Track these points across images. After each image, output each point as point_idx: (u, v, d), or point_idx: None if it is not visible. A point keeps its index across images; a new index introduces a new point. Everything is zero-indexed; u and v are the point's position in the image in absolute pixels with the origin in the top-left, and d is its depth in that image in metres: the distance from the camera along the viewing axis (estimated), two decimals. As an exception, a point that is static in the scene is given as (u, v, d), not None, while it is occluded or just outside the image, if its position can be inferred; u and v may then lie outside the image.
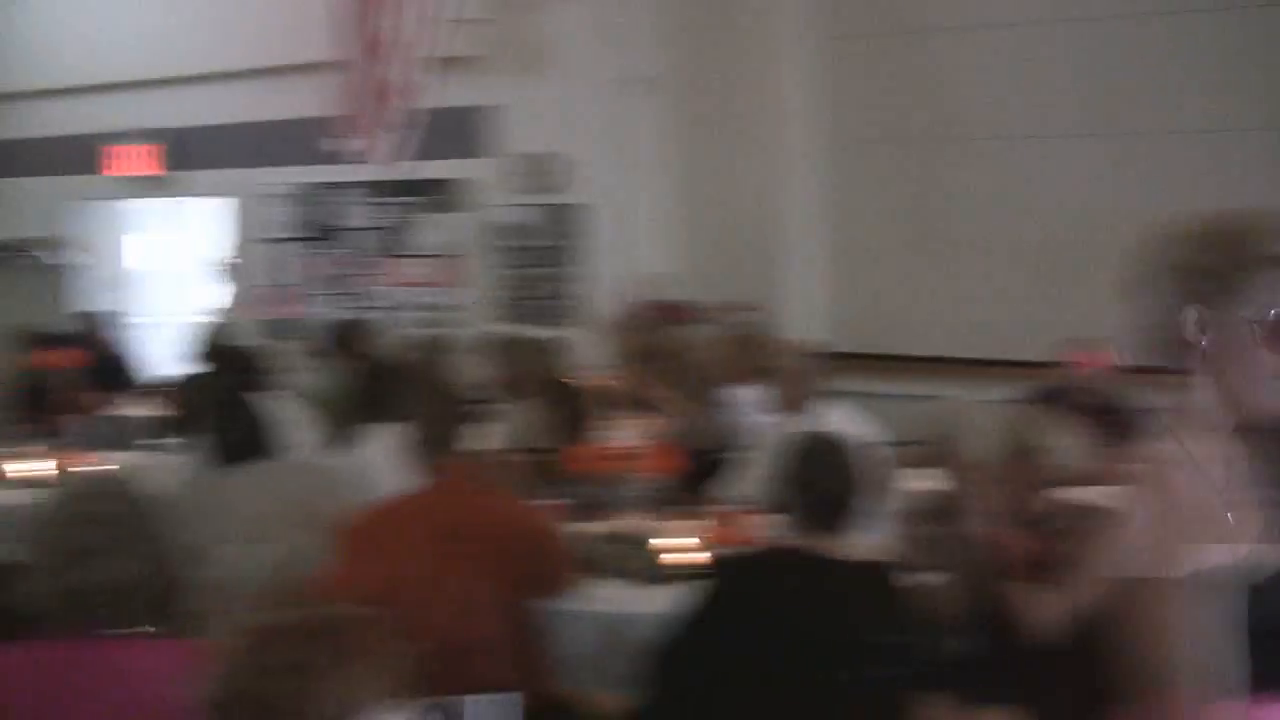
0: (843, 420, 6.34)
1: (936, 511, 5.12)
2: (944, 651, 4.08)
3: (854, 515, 4.18)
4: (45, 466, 7.48)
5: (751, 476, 6.15)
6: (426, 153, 10.56)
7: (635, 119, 10.90)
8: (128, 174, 13.55)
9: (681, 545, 5.50)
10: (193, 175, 13.45)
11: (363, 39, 10.29)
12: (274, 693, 2.05)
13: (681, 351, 8.46)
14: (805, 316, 10.42)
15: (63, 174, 14.29)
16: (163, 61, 13.19)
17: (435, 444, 4.80)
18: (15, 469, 7.46)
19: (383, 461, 5.79)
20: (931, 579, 4.55)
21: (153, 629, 3.03)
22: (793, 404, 6.52)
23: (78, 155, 13.96)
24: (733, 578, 4.27)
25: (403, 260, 11.97)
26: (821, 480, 4.17)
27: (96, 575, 2.97)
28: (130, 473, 6.32)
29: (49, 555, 3.00)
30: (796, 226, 10.64)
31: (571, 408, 7.08)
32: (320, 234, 12.51)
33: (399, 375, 6.54)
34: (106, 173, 13.60)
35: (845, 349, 9.51)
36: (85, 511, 3.04)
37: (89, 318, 11.67)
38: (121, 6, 13.58)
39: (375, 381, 6.46)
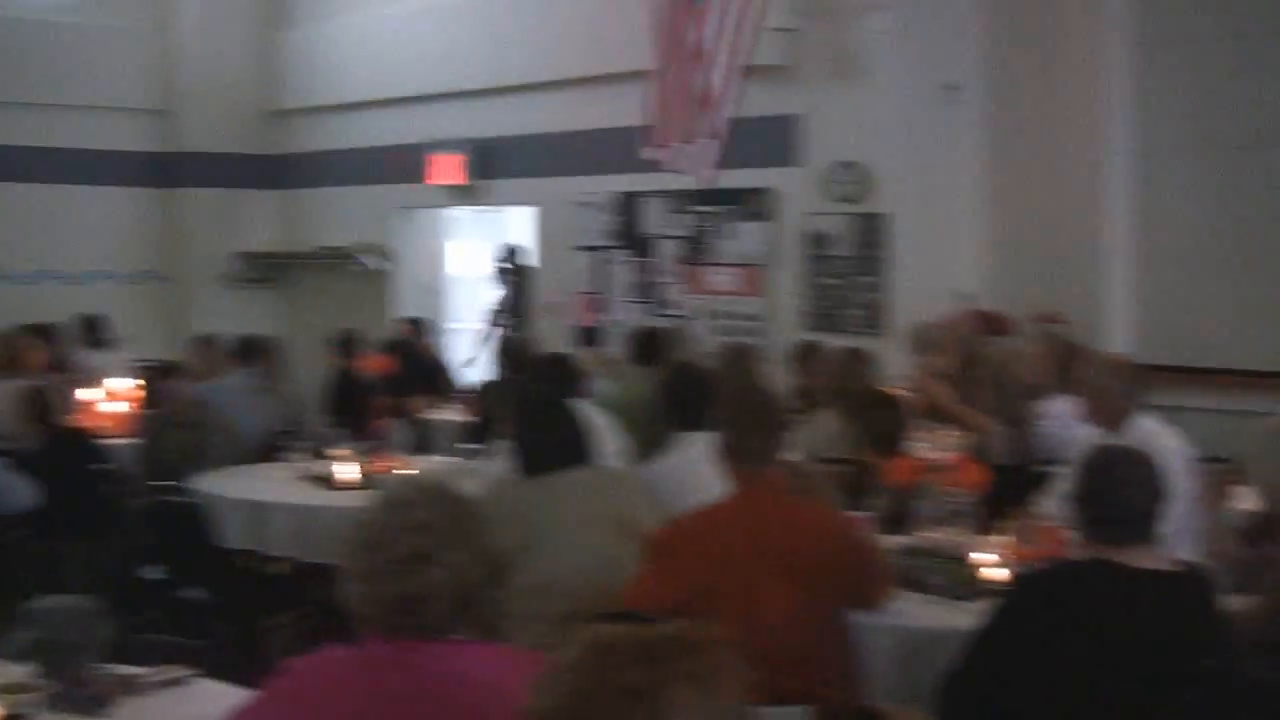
0: (1153, 434, 6.18)
1: (1246, 531, 4.96)
2: (1246, 676, 3.95)
3: (1159, 530, 4.08)
4: (360, 470, 7.73)
5: (1061, 490, 6.04)
6: (732, 161, 10.60)
7: (943, 127, 10.80)
8: (445, 182, 13.91)
9: (986, 560, 5.44)
10: (502, 184, 13.75)
11: (678, 48, 10.36)
12: (614, 715, 2.03)
13: (997, 363, 8.36)
14: (1114, 328, 10.19)
15: (385, 182, 14.78)
16: (478, 73, 13.53)
17: (744, 453, 4.81)
18: (333, 472, 7.71)
19: (691, 470, 5.83)
20: (1237, 600, 4.42)
21: (472, 634, 3.06)
22: (1107, 417, 6.37)
23: (399, 164, 14.41)
24: (1038, 593, 4.19)
25: (706, 268, 12.04)
26: (1127, 494, 4.08)
27: (420, 581, 2.99)
28: (450, 478, 6.52)
29: (374, 561, 3.01)
30: (1106, 236, 10.40)
31: (877, 418, 7.03)
32: (625, 242, 12.66)
33: (706, 383, 6.56)
34: (427, 181, 13.98)
35: (1154, 360, 9.26)
36: (410, 518, 3.04)
37: (408, 323, 12.03)
38: (440, 21, 13.96)
39: (682, 389, 6.49)
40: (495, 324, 13.20)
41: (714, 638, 2.14)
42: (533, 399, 5.78)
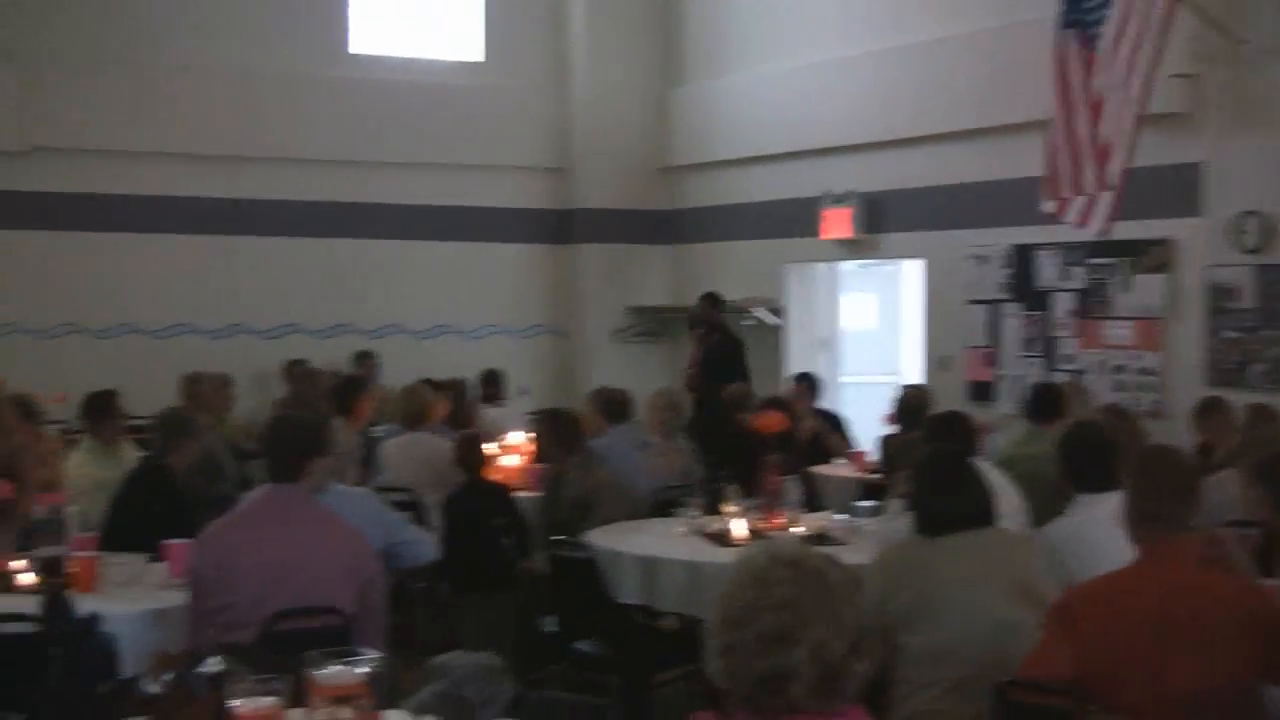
0: None
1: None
2: None
3: None
4: (752, 527, 7.70)
5: None
6: (1130, 211, 10.28)
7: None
8: (836, 236, 13.90)
9: None
10: (892, 237, 13.66)
11: (1074, 97, 10.12)
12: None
13: None
14: None
15: (776, 237, 14.85)
16: (868, 126, 13.50)
17: (1154, 517, 4.62)
18: (725, 528, 7.71)
19: (1094, 533, 5.63)
20: None
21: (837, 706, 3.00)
22: None
23: (790, 218, 14.47)
24: None
25: (1103, 321, 11.70)
26: None
27: (782, 660, 2.93)
28: (826, 544, 6.43)
29: (735, 637, 2.97)
30: None
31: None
32: (1018, 295, 12.41)
33: (1109, 442, 6.33)
34: (819, 236, 13.99)
35: None
36: (772, 595, 2.97)
37: (800, 378, 12.02)
38: (831, 75, 13.98)
39: (1084, 448, 6.28)
40: (898, 379, 13.07)
41: None
42: (935, 457, 5.65)
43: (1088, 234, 10.56)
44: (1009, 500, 6.79)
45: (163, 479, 7.68)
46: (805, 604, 2.96)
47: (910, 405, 10.31)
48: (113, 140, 14.56)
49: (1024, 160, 11.22)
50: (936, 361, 13.19)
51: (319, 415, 7.69)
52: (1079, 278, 11.89)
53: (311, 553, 5.56)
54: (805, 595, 2.98)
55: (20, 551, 6.39)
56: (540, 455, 9.55)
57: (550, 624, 7.86)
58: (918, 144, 13.17)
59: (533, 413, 12.15)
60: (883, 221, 13.70)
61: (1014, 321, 12.48)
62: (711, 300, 14.18)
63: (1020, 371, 12.26)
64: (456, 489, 9.01)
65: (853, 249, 14.09)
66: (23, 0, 14.37)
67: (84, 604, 4.39)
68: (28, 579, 6.18)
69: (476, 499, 8.91)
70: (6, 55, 14.19)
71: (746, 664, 2.95)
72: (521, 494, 9.62)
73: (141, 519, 7.41)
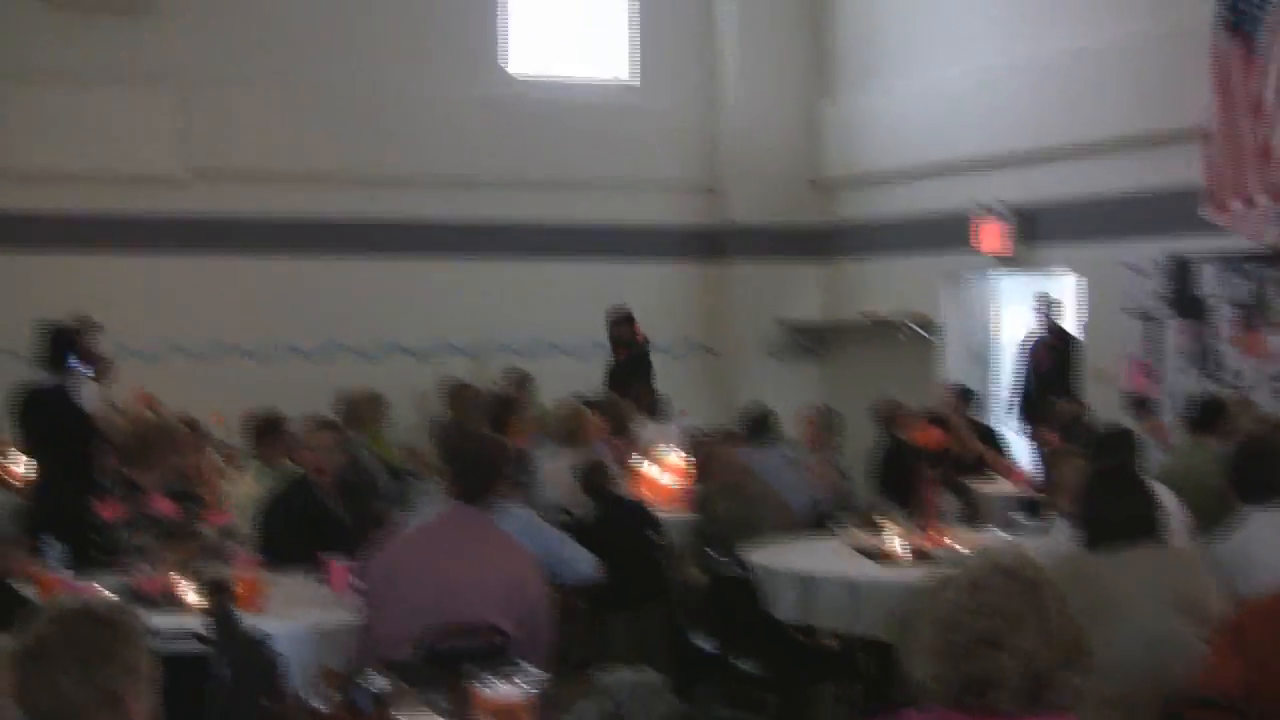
0: None
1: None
2: None
3: None
4: (910, 543, 7.64)
5: None
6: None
7: None
8: (990, 250, 13.76)
9: None
10: (1048, 249, 13.50)
11: (1235, 103, 9.92)
12: None
13: None
14: None
15: (930, 250, 14.74)
16: (1023, 137, 13.35)
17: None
18: (883, 545, 7.65)
19: (1263, 548, 5.51)
20: None
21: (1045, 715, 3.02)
22: None
23: (944, 232, 14.36)
24: None
25: (1266, 332, 11.45)
26: None
27: (989, 665, 2.98)
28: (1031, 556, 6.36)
29: (942, 640, 3.03)
30: None
31: None
32: (1178, 306, 12.19)
33: (1274, 455, 6.20)
34: (973, 249, 13.86)
35: None
36: (983, 601, 3.04)
37: (956, 392, 11.90)
38: (984, 86, 13.86)
39: (1252, 461, 6.15)
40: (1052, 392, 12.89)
41: None
42: (1102, 470, 5.57)
43: (1259, 245, 10.33)
44: (1173, 513, 6.67)
45: (308, 495, 7.75)
46: (1017, 612, 3.02)
47: (1069, 419, 10.18)
48: (270, 163, 14.80)
49: (1181, 168, 11.03)
50: (1093, 374, 12.99)
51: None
52: (1239, 287, 11.64)
53: (483, 575, 5.59)
54: (1018, 604, 3.03)
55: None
56: (698, 473, 9.56)
57: (705, 641, 7.85)
58: (1072, 154, 12.99)
59: (690, 430, 12.17)
60: (1037, 233, 13.53)
61: (1173, 333, 12.26)
62: (625, 321, 14.24)
63: (1180, 383, 12.04)
64: (590, 511, 9.04)
65: (1007, 262, 13.93)
66: (181, 26, 14.66)
67: (250, 622, 4.45)
68: (195, 598, 6.29)
69: (612, 517, 8.92)
70: (166, 81, 14.47)
71: (954, 666, 3.01)
72: (674, 513, 9.65)
73: (288, 535, 7.51)
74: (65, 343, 9.73)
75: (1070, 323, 13.40)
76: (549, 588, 6.40)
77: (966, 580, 3.09)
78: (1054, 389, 12.78)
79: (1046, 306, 13.50)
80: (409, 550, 5.70)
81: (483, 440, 6.06)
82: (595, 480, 9.14)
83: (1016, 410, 13.53)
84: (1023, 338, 13.91)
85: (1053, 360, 13.27)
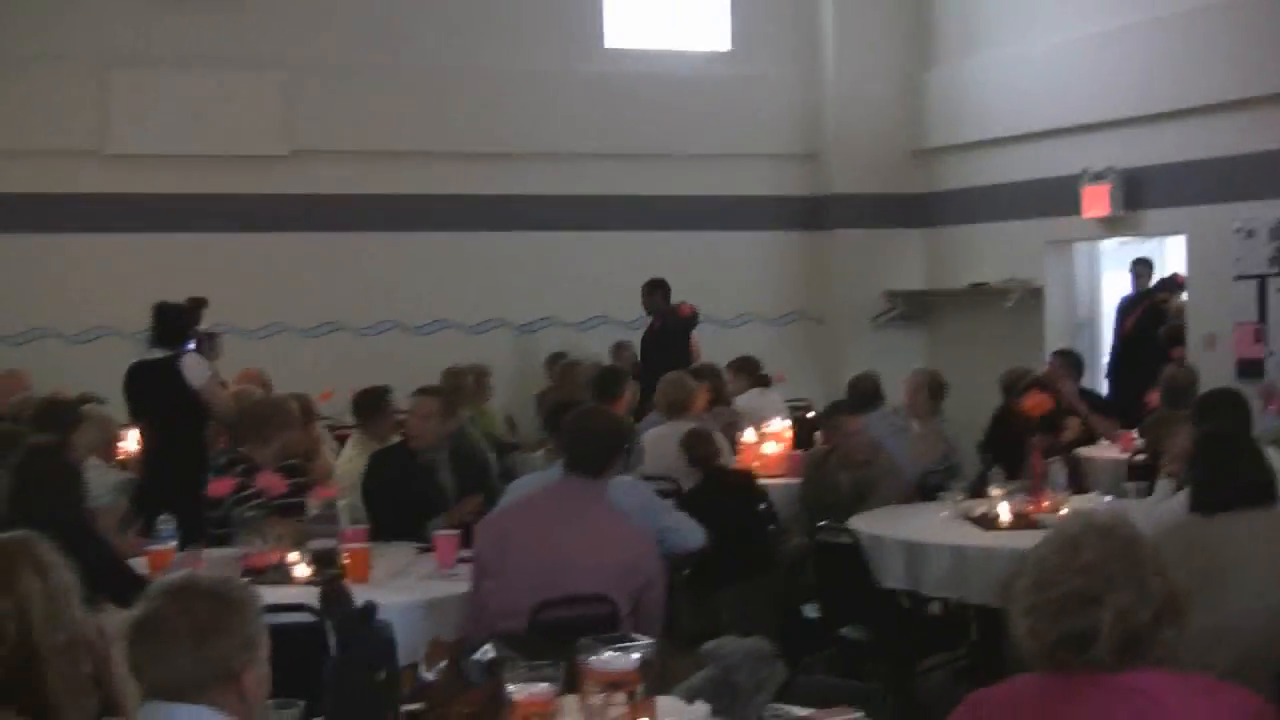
0: None
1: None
2: None
3: None
4: (1018, 510, 7.57)
5: None
6: None
7: None
8: (1096, 215, 13.59)
9: None
10: (1153, 213, 13.31)
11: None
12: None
13: None
14: None
15: (1034, 216, 14.58)
16: (1127, 101, 13.17)
17: None
18: (991, 512, 7.59)
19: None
20: None
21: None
22: None
23: (1047, 198, 14.20)
24: None
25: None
26: None
27: (1085, 622, 3.04)
28: (1124, 516, 6.28)
29: (1039, 598, 3.10)
30: None
31: None
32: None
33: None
34: (1079, 214, 13.69)
35: None
36: (1078, 558, 3.09)
37: (1061, 359, 11.76)
38: (1087, 50, 13.68)
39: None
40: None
41: None
42: (1214, 434, 5.49)
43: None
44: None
45: (405, 461, 7.76)
46: (1112, 569, 3.07)
47: (1176, 384, 10.04)
48: (373, 142, 14.89)
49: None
50: (1202, 339, 12.81)
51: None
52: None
53: (595, 549, 5.59)
54: (1113, 561, 3.09)
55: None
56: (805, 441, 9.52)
57: (812, 610, 7.82)
58: (1178, 117, 12.79)
59: (792, 401, 12.13)
60: (1143, 198, 13.34)
61: (1282, 295, 12.07)
62: (655, 288, 14.06)
63: (1289, 348, 11.87)
64: (696, 483, 9.03)
65: (1113, 226, 13.76)
66: (284, 8, 14.77)
67: (358, 594, 4.47)
68: (304, 571, 6.35)
69: (718, 489, 8.92)
70: (269, 62, 14.59)
71: (1050, 623, 3.07)
72: (781, 481, 9.62)
73: (385, 501, 7.55)
74: (177, 321, 9.83)
75: (1166, 286, 13.24)
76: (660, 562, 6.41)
77: (1063, 539, 3.16)
78: (1147, 353, 12.68)
79: (1140, 270, 13.40)
80: (521, 522, 5.71)
81: (603, 415, 6.05)
82: (701, 450, 9.13)
83: (1109, 374, 13.43)
84: (1118, 302, 13.83)
85: (1144, 324, 13.15)
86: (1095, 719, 3.03)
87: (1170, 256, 14.24)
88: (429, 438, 7.60)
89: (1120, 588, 3.05)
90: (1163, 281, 13.44)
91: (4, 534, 3.72)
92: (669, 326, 13.93)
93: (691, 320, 14.06)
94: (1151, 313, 13.31)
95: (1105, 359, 14.27)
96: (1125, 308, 13.83)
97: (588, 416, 5.99)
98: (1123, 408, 11.34)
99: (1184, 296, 13.24)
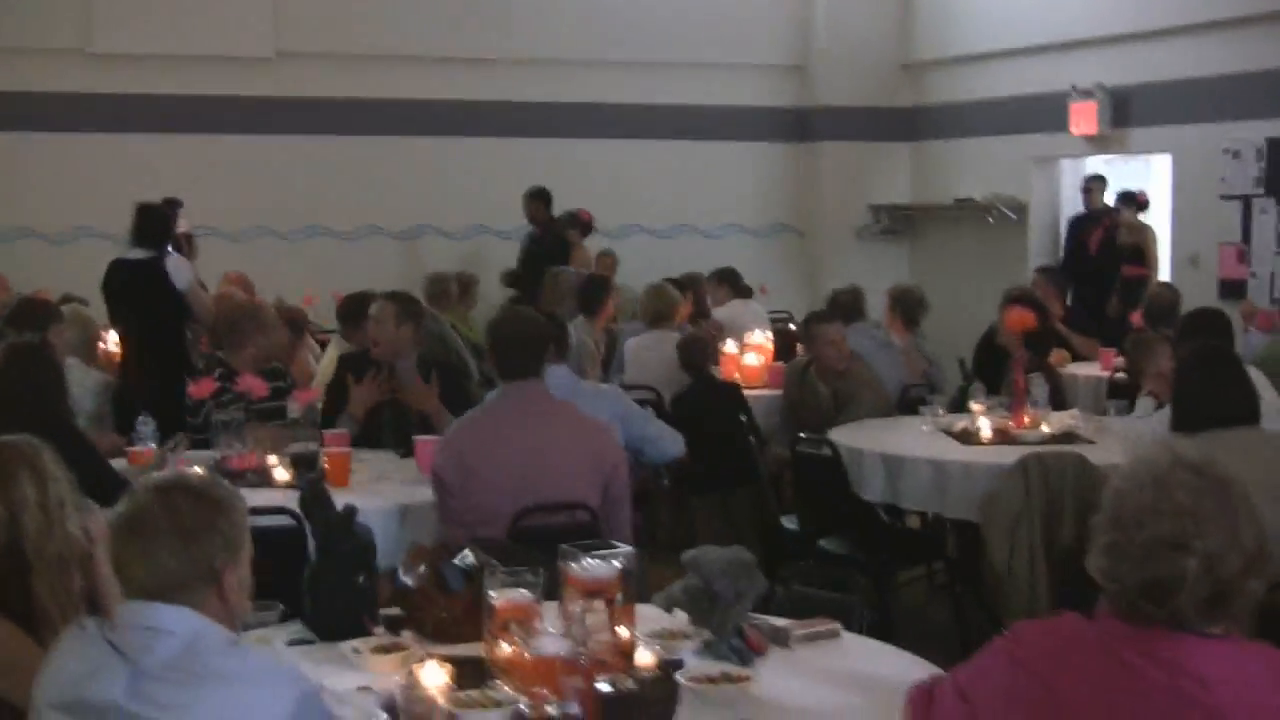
0: None
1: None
2: None
3: None
4: (998, 426, 7.56)
5: None
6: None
7: None
8: (1083, 132, 13.54)
9: None
10: (1139, 131, 13.27)
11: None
12: None
13: None
14: None
15: (1020, 132, 14.52)
16: (1117, 17, 13.11)
17: None
18: (971, 427, 7.58)
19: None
20: None
21: (1223, 628, 2.80)
22: None
23: (1035, 114, 14.15)
24: None
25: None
26: None
27: (1171, 569, 2.75)
28: (1073, 443, 6.27)
29: (1122, 539, 2.80)
30: None
31: None
32: (1272, 190, 11.96)
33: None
34: (1065, 131, 13.64)
35: None
36: (1170, 499, 2.78)
37: (1043, 275, 11.74)
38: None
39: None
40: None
41: None
42: (1202, 352, 5.47)
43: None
44: (1269, 400, 6.56)
45: (365, 368, 7.69)
46: (1206, 513, 2.77)
47: (1160, 303, 10.04)
48: (358, 44, 14.74)
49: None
50: (1186, 259, 12.81)
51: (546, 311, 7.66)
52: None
53: (555, 447, 5.58)
54: (1207, 503, 2.78)
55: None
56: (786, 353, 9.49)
57: (791, 521, 7.84)
58: (1168, 35, 12.73)
59: (773, 312, 12.09)
60: (1130, 116, 13.30)
61: (1268, 217, 12.04)
62: (538, 196, 13.95)
63: (1273, 269, 11.84)
64: (684, 388, 9.03)
65: (1099, 144, 13.72)
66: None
67: (338, 499, 4.46)
68: (284, 475, 6.33)
69: (705, 397, 8.92)
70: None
71: (1134, 568, 2.79)
72: (762, 392, 9.62)
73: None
74: (160, 221, 9.74)
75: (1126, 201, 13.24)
76: (633, 463, 6.39)
77: (1150, 474, 2.84)
78: (1106, 271, 12.73)
79: (1091, 186, 13.42)
80: (472, 434, 5.66)
81: (518, 318, 5.94)
82: (695, 356, 9.12)
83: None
84: (1069, 219, 13.86)
85: (1101, 242, 13.17)
86: (1138, 678, 2.77)
87: (1156, 176, 14.19)
88: (387, 344, 7.51)
89: (1211, 534, 2.74)
90: (1121, 196, 13.38)
91: (9, 438, 3.70)
92: (551, 235, 13.81)
93: (584, 226, 13.97)
94: (1114, 230, 13.30)
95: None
96: (1078, 225, 13.81)
97: (508, 323, 5.87)
98: (1084, 327, 11.32)
99: (1140, 215, 13.23)
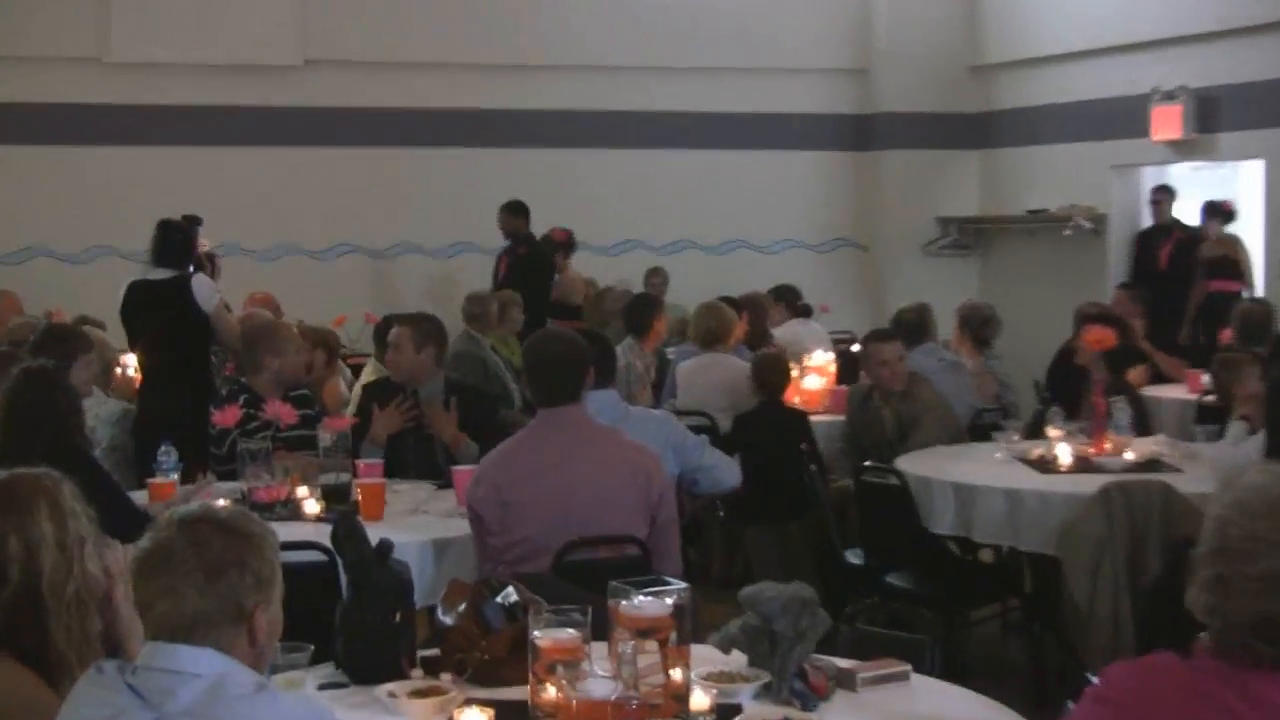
0: None
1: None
2: None
3: None
4: (1077, 453, 7.53)
5: None
6: None
7: None
8: (1166, 137, 13.48)
9: None
10: (1228, 136, 13.21)
11: None
12: None
13: None
14: None
15: (1098, 139, 14.46)
16: (1200, 16, 13.06)
17: None
18: (1048, 454, 7.55)
19: None
20: None
21: None
22: None
23: (1113, 119, 14.10)
24: None
25: None
26: None
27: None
28: (1159, 470, 6.20)
29: (1226, 570, 2.72)
30: None
31: None
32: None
33: None
34: (1147, 137, 13.59)
35: None
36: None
37: (1127, 292, 11.68)
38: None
39: None
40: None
41: None
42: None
43: None
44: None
45: (390, 395, 7.70)
46: None
47: (1251, 320, 9.97)
48: (390, 53, 14.79)
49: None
50: (1279, 272, 12.74)
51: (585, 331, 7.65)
52: None
53: (598, 477, 5.54)
54: None
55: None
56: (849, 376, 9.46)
57: (855, 556, 7.81)
58: (1257, 33, 12.67)
59: (836, 332, 12.05)
60: (1218, 120, 13.23)
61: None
62: (514, 210, 13.88)
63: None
64: (749, 411, 9.01)
65: (1184, 150, 13.65)
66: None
67: (373, 532, 4.46)
68: (315, 507, 6.34)
69: (772, 422, 8.89)
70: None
71: (1245, 603, 2.70)
72: (824, 417, 9.58)
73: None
74: (183, 239, 9.73)
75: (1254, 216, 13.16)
76: (688, 499, 6.37)
77: (1263, 500, 2.73)
78: (1176, 287, 12.69)
79: (1159, 198, 13.38)
80: (508, 467, 5.61)
81: (556, 339, 5.90)
82: (773, 376, 9.09)
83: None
84: (1136, 233, 13.82)
85: (1178, 256, 13.13)
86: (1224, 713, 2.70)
87: (1244, 184, 14.10)
88: (404, 369, 7.53)
89: None
90: (1207, 206, 13.32)
91: (30, 470, 3.69)
92: (532, 253, 13.77)
93: (566, 246, 13.95)
94: (1187, 244, 13.24)
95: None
96: (1146, 238, 13.76)
97: (542, 345, 5.84)
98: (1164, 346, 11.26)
99: (1227, 228, 13.18)
